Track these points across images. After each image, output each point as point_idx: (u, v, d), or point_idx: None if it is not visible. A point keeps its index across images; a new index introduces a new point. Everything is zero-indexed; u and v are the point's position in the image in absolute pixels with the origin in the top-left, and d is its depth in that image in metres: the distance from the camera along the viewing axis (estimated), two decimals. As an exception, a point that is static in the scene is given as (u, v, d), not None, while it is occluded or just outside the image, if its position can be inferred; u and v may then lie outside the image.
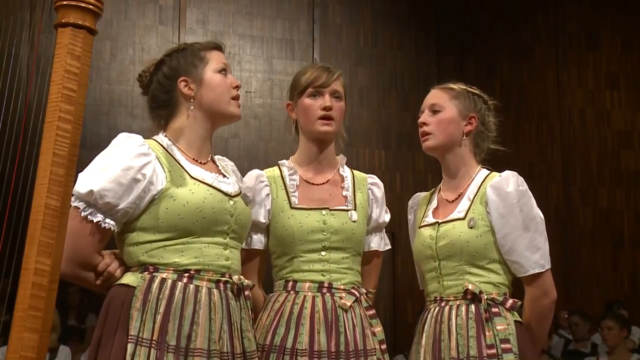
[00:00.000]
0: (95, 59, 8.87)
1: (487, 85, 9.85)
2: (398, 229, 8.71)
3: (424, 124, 2.81)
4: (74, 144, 1.82)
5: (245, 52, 9.46)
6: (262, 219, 2.75)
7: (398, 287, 9.30)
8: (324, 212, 2.75)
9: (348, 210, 2.78)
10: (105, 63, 8.92)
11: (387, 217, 2.92)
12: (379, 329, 2.73)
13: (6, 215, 2.07)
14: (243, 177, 2.83)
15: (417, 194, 3.04)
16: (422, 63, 10.00)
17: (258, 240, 2.79)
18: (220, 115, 2.59)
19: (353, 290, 2.71)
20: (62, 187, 1.79)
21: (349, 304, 2.66)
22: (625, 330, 7.01)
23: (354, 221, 2.77)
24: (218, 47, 2.65)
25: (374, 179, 2.94)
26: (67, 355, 5.89)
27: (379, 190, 2.92)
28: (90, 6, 1.85)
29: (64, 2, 1.84)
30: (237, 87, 2.61)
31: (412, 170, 9.69)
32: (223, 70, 2.59)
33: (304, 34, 9.71)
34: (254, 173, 2.84)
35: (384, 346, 2.71)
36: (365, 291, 2.77)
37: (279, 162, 2.91)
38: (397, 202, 9.20)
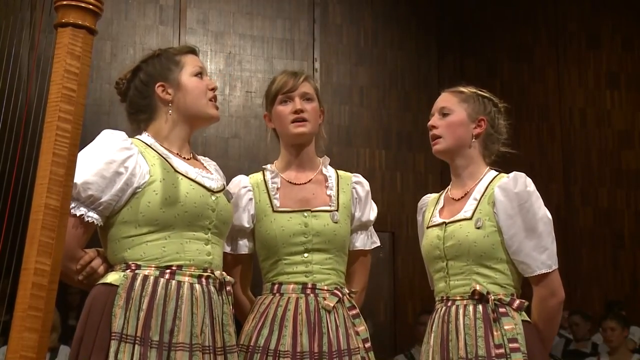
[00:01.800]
0: (96, 58, 8.87)
1: (487, 85, 9.79)
2: (398, 229, 8.77)
3: (434, 127, 2.83)
4: (74, 144, 1.82)
5: (246, 52, 9.45)
6: (246, 223, 2.79)
7: (398, 287, 9.29)
8: (305, 214, 2.78)
9: (330, 211, 2.80)
10: (105, 63, 8.92)
11: (372, 215, 2.94)
12: (362, 328, 2.75)
13: (6, 215, 2.07)
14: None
15: (426, 195, 3.05)
16: (423, 63, 9.98)
17: (244, 245, 2.83)
18: (198, 118, 2.63)
19: (336, 291, 2.73)
20: (62, 187, 1.79)
21: (332, 304, 2.69)
22: (626, 330, 7.03)
23: (336, 222, 2.78)
24: (193, 51, 2.70)
25: (358, 177, 2.96)
26: (67, 354, 5.89)
27: (363, 189, 2.93)
28: (90, 6, 1.86)
29: (64, 2, 1.85)
30: (214, 89, 2.65)
31: (413, 171, 9.68)
32: (199, 74, 2.63)
33: (305, 34, 9.69)
34: (238, 179, 2.87)
35: (368, 344, 2.74)
36: (347, 291, 2.79)
37: (263, 166, 2.93)
38: (397, 202, 9.28)
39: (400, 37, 10.04)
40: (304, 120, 2.82)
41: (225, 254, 2.76)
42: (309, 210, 2.79)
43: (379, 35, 9.97)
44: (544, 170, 10.09)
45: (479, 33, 10.25)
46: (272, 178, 2.86)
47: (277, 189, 2.83)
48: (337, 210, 2.81)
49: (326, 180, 2.89)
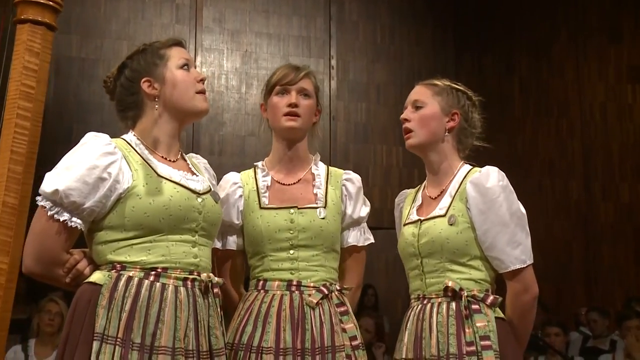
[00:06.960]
0: (114, 58, 8.91)
1: (506, 81, 9.84)
2: (415, 226, 8.66)
3: (406, 120, 2.80)
4: (33, 141, 1.81)
5: (262, 50, 9.45)
6: (236, 219, 2.80)
7: (416, 284, 9.25)
8: (292, 210, 2.77)
9: (317, 208, 2.79)
10: (122, 62, 8.95)
11: (364, 211, 2.91)
12: (350, 325, 2.71)
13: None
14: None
15: (403, 191, 3.02)
16: (440, 59, 9.91)
17: (232, 241, 2.83)
18: (186, 112, 2.59)
19: (322, 288, 2.71)
20: (20, 184, 1.79)
21: (315, 301, 2.66)
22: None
23: (322, 218, 2.77)
24: (178, 43, 2.64)
25: (349, 174, 2.94)
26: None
27: (353, 186, 2.91)
28: (50, 2, 1.85)
29: (23, -1, 1.84)
30: (202, 80, 2.60)
31: (430, 167, 9.61)
32: (185, 66, 2.58)
33: (321, 31, 9.67)
34: (229, 175, 2.89)
35: (355, 342, 2.70)
36: (339, 288, 2.77)
37: (255, 163, 2.94)
38: (413, 199, 9.18)
39: (417, 33, 9.98)
40: (296, 115, 2.82)
41: (215, 249, 2.76)
42: (296, 207, 2.78)
43: (395, 31, 9.92)
44: (564, 166, 9.99)
45: (496, 29, 10.16)
46: (262, 176, 2.87)
47: (267, 187, 2.84)
48: (324, 207, 2.80)
49: (314, 178, 2.88)
